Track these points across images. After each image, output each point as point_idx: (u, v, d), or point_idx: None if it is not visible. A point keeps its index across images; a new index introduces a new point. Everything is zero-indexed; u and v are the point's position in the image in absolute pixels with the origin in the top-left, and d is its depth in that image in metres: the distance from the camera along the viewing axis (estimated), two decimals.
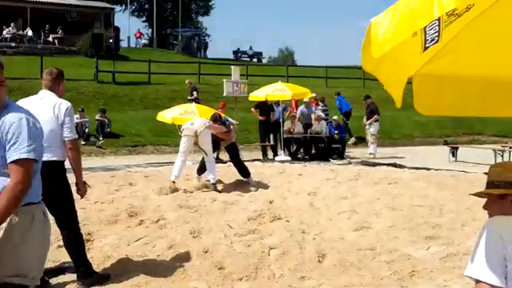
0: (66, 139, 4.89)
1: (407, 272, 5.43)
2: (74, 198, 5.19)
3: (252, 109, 16.83)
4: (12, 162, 2.81)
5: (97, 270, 5.39)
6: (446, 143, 18.22)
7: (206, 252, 5.90)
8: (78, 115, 19.11)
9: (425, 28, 2.32)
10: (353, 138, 20.01)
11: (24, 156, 2.80)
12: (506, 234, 2.22)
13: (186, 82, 22.49)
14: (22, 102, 4.76)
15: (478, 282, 2.23)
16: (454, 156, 16.67)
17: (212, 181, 9.58)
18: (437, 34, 2.34)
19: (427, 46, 2.39)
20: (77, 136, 5.12)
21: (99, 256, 5.81)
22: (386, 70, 2.43)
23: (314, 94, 18.13)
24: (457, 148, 17.10)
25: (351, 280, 5.25)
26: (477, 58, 2.59)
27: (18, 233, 2.90)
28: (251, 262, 5.64)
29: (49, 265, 5.37)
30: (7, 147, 2.83)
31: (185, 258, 5.79)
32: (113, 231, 6.74)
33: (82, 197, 5.28)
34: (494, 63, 2.60)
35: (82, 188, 5.15)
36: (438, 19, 2.29)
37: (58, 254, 5.69)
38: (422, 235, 6.57)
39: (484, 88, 2.71)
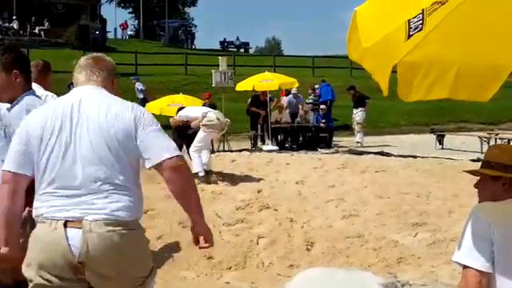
0: None
1: (395, 259, 5.50)
2: None
3: (252, 108, 16.73)
4: None
5: None
6: (432, 131, 18.30)
7: None
8: None
9: (409, 19, 2.34)
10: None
11: None
12: (493, 219, 2.23)
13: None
14: None
15: (465, 267, 2.25)
16: (440, 143, 16.78)
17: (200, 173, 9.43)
18: (421, 22, 2.36)
19: (411, 33, 2.41)
20: None
21: None
22: (372, 58, 2.45)
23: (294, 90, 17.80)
24: (443, 135, 17.21)
25: (339, 267, 5.31)
26: (460, 45, 2.62)
27: None
28: (240, 251, 5.69)
29: None
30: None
31: (174, 247, 5.83)
32: None
33: None
34: (478, 49, 2.64)
35: None
36: (423, 9, 2.32)
37: None
38: (409, 222, 6.64)
39: (467, 73, 2.74)
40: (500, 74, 2.92)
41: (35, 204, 2.60)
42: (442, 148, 16.39)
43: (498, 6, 2.45)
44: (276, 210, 7.23)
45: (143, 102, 20.27)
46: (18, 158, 2.61)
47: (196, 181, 8.85)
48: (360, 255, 5.62)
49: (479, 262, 2.19)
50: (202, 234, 2.82)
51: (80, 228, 2.46)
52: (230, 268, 5.38)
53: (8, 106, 3.13)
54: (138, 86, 21.09)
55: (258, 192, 8.31)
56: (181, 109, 10.25)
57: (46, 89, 5.07)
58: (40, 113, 2.69)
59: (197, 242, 2.84)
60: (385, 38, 2.34)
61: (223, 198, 8.03)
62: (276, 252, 5.68)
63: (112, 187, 2.55)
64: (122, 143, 2.59)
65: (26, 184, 2.64)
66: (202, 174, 9.20)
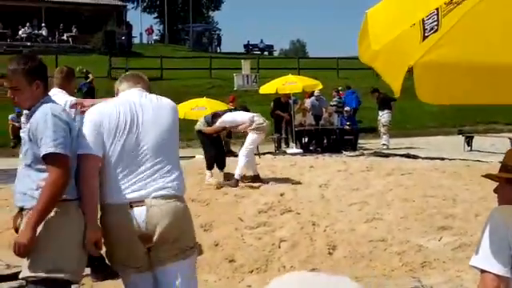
0: None
1: (419, 263, 5.42)
2: None
3: (277, 112, 16.70)
4: (43, 157, 2.95)
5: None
6: (460, 132, 18.02)
7: (216, 245, 5.94)
8: None
9: (423, 19, 2.31)
10: None
11: (51, 150, 2.91)
12: (511, 222, 2.20)
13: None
14: None
15: (483, 271, 2.22)
16: (469, 145, 16.48)
17: (237, 176, 9.49)
18: (436, 23, 2.33)
19: (426, 35, 2.38)
20: None
21: None
22: (384, 60, 2.42)
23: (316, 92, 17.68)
24: (472, 137, 16.91)
25: (362, 271, 5.26)
26: (477, 46, 2.57)
27: (53, 229, 2.95)
28: (262, 254, 5.67)
29: None
30: (38, 144, 2.97)
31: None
32: None
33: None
34: (495, 50, 2.58)
35: None
36: (437, 9, 2.29)
37: None
38: (434, 226, 6.54)
39: (486, 75, 2.69)
40: None
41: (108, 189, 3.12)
42: (471, 150, 16.11)
43: None
44: (298, 214, 7.19)
45: None
46: (97, 144, 3.10)
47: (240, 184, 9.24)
48: (383, 259, 5.55)
49: (497, 267, 2.16)
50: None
51: (144, 205, 3.05)
52: (252, 271, 5.37)
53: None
54: None
55: (281, 195, 8.28)
56: (215, 115, 10.15)
57: (70, 94, 5.16)
58: (110, 108, 3.21)
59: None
60: (397, 40, 2.31)
61: (246, 202, 8.02)
62: (298, 255, 5.65)
63: (169, 168, 3.16)
64: (172, 131, 3.28)
65: None
66: (238, 177, 9.38)
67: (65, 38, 35.87)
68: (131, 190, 3.08)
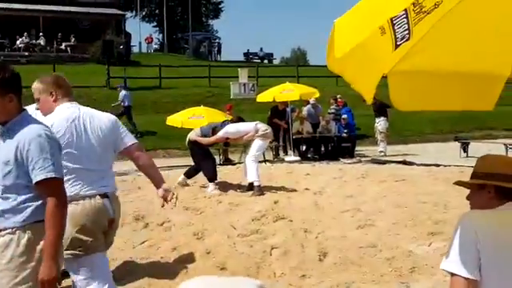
0: None
1: (408, 268, 5.45)
2: None
3: (274, 120, 16.73)
4: (39, 181, 2.86)
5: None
6: (456, 139, 18.09)
7: (208, 253, 5.98)
8: None
9: (393, 25, 2.36)
10: None
11: (51, 175, 2.85)
12: (480, 227, 2.25)
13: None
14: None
15: (453, 275, 2.27)
16: (465, 151, 16.56)
17: (256, 183, 9.57)
18: (407, 31, 2.38)
19: (398, 43, 2.43)
20: None
21: None
22: (355, 69, 2.47)
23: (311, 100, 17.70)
24: (468, 143, 16.99)
25: (351, 277, 5.29)
26: (448, 54, 2.63)
27: (33, 252, 2.94)
28: (253, 261, 5.70)
29: None
30: (31, 166, 2.86)
31: (188, 259, 5.88)
32: (119, 234, 6.71)
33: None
34: (465, 58, 2.64)
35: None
36: (406, 16, 2.34)
37: None
38: (424, 232, 6.58)
39: (457, 82, 2.75)
40: (495, 81, 2.93)
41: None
42: (467, 156, 16.17)
43: (484, 14, 2.47)
44: (291, 221, 7.23)
45: (128, 109, 20.43)
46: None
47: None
48: (373, 265, 5.58)
49: (466, 270, 2.21)
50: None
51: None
52: None
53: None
54: (123, 92, 21.10)
55: (275, 203, 8.33)
56: (214, 129, 10.11)
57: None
58: None
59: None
60: (368, 48, 2.36)
61: (240, 209, 8.08)
62: (288, 262, 5.68)
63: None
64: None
65: None
66: (258, 183, 9.47)
67: (63, 47, 35.84)
68: (101, 185, 3.75)
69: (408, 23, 2.36)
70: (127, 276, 5.45)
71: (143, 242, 6.51)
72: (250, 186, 9.63)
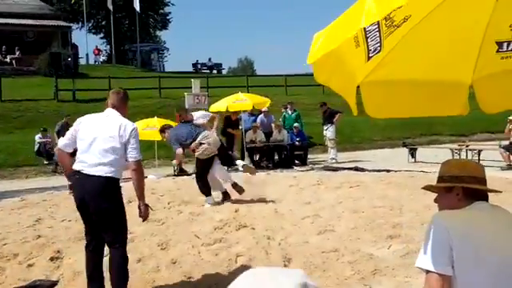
0: (132, 159, 4.86)
1: (370, 271, 5.62)
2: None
3: (228, 130, 16.81)
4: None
5: (68, 287, 5.45)
6: (404, 145, 18.64)
7: (174, 263, 6.00)
8: (40, 135, 18.90)
9: (366, 39, 2.52)
10: None
11: None
12: (451, 225, 2.39)
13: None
14: (89, 118, 5.04)
15: (428, 272, 2.41)
16: (413, 157, 17.10)
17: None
18: (378, 44, 2.55)
19: (370, 55, 2.60)
20: (141, 157, 5.01)
21: (69, 273, 5.85)
22: (337, 80, 2.63)
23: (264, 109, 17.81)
24: (415, 149, 17.54)
25: (316, 281, 5.41)
26: (417, 64, 2.81)
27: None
28: (219, 270, 5.77)
29: (20, 284, 5.44)
30: None
31: (154, 269, 5.88)
32: (81, 248, 6.73)
33: (144, 219, 5.15)
34: (433, 67, 2.83)
35: (144, 210, 5.02)
36: (378, 29, 2.50)
37: (28, 273, 5.73)
38: (383, 235, 6.80)
39: (426, 90, 2.94)
40: (459, 88, 3.13)
41: None
42: (415, 161, 16.70)
43: (447, 27, 2.66)
44: (253, 229, 7.34)
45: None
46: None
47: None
48: (336, 269, 5.73)
49: (440, 267, 2.35)
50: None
51: None
52: (210, 287, 5.46)
53: None
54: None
55: (236, 211, 8.42)
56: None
57: (124, 116, 5.08)
58: None
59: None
60: (345, 61, 2.52)
61: (201, 219, 8.12)
62: None
63: None
64: None
65: None
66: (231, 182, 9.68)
67: (8, 60, 35.05)
68: None
69: (380, 36, 2.52)
70: None
71: (107, 255, 6.45)
72: (225, 196, 9.63)
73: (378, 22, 2.46)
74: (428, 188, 2.74)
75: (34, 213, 9.20)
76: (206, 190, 9.38)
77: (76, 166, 4.82)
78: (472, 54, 2.85)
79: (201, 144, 9.09)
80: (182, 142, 9.23)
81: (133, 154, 4.86)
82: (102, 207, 4.73)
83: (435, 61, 2.80)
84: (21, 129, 22.57)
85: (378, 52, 2.57)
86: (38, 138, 18.96)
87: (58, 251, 6.44)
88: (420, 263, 2.45)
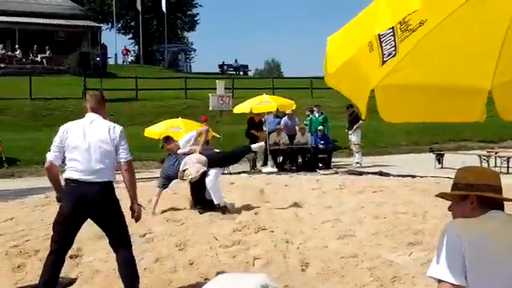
0: (123, 160, 4.89)
1: (389, 278, 5.53)
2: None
3: (252, 131, 16.63)
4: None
5: (86, 285, 5.49)
6: (431, 150, 18.39)
7: (191, 264, 6.00)
8: None
9: (380, 43, 2.47)
10: None
11: None
12: (464, 234, 2.33)
13: None
14: (74, 125, 4.90)
15: (440, 281, 2.34)
16: (440, 163, 16.85)
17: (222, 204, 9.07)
18: (393, 48, 2.49)
19: (385, 59, 2.54)
20: (132, 158, 5.05)
21: (88, 271, 5.89)
22: (349, 84, 2.58)
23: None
24: (442, 154, 17.28)
25: (334, 287, 5.36)
26: (432, 68, 2.76)
27: None
28: (236, 272, 5.74)
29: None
30: None
31: (171, 270, 5.88)
32: (101, 246, 6.79)
33: (136, 220, 5.17)
34: (447, 72, 2.77)
35: (138, 210, 5.07)
36: (393, 34, 2.45)
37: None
38: (404, 242, 6.69)
39: (440, 95, 2.87)
40: (477, 94, 3.06)
41: None
42: (442, 167, 16.45)
43: (465, 32, 2.59)
44: (272, 232, 7.30)
45: None
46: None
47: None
48: (354, 275, 5.66)
49: (453, 276, 2.29)
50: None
51: None
52: None
53: None
54: None
55: (256, 214, 8.39)
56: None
57: (104, 118, 5.08)
58: None
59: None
60: (358, 64, 2.47)
61: (221, 221, 8.11)
62: (271, 273, 5.71)
63: None
64: None
65: None
66: (223, 204, 9.09)
67: (39, 59, 35.67)
68: None
69: (394, 40, 2.47)
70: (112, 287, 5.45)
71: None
72: (223, 210, 9.44)
73: (393, 26, 2.41)
74: (442, 196, 2.68)
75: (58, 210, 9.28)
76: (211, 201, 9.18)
77: (71, 175, 4.78)
78: (491, 59, 2.78)
79: (184, 171, 9.02)
80: (172, 177, 9.23)
81: (124, 155, 4.90)
82: (106, 212, 4.79)
83: (451, 65, 2.74)
84: (49, 126, 22.91)
85: (393, 56, 2.52)
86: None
87: (78, 249, 6.48)
88: (432, 272, 2.40)
